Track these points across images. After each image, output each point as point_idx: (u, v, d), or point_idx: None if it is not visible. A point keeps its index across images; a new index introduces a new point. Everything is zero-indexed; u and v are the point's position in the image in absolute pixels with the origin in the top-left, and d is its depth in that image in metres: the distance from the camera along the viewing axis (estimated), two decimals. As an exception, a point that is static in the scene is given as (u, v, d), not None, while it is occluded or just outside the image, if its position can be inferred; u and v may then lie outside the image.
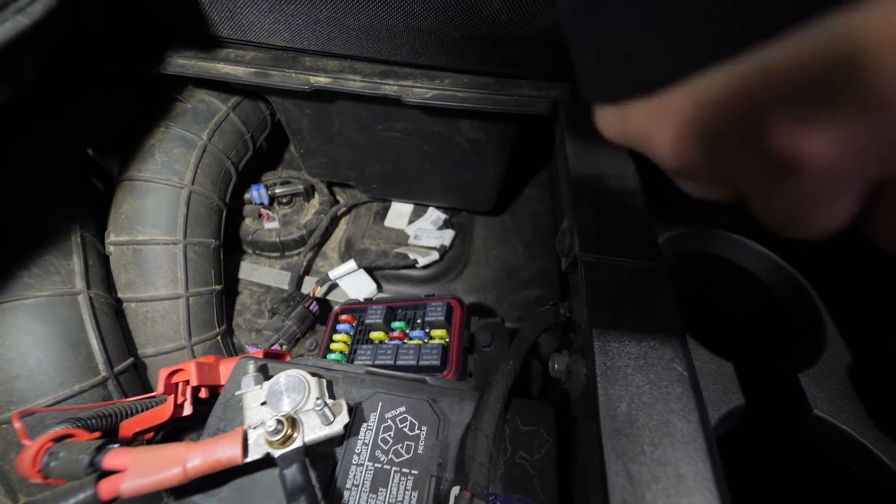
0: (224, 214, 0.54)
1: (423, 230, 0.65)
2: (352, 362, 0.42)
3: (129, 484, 0.23)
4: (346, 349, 0.45)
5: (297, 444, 0.25)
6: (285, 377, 0.28)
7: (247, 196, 0.62)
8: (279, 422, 0.25)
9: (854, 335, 0.35)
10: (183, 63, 0.44)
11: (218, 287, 0.52)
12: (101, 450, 0.24)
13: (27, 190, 0.38)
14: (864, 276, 0.65)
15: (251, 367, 0.30)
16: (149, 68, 0.46)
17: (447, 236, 0.64)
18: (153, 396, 0.36)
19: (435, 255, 0.61)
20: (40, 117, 0.40)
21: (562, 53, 0.39)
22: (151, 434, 0.34)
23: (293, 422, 0.26)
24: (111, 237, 0.46)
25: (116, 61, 0.46)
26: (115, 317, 0.43)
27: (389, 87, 0.43)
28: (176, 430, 0.44)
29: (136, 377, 0.43)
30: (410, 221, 0.67)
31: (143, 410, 0.33)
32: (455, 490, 0.27)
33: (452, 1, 0.35)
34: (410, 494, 0.26)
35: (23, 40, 0.25)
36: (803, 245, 0.70)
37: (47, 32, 0.27)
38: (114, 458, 0.24)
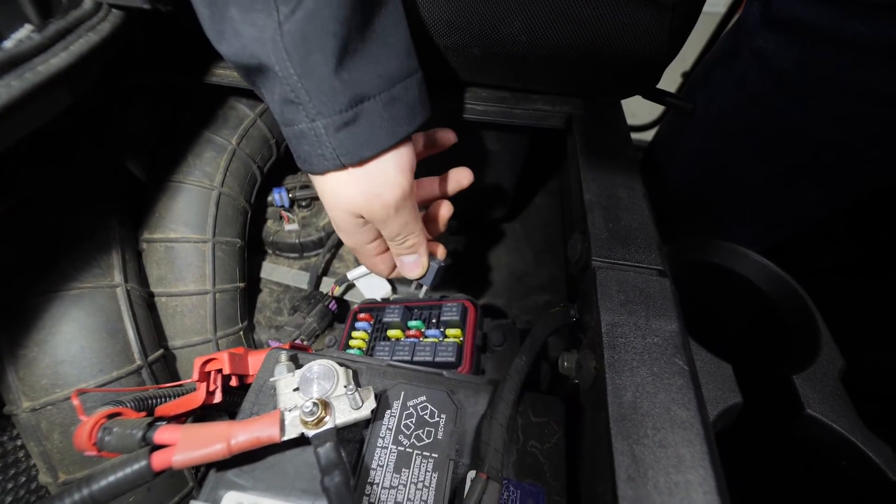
0: (249, 216, 0.57)
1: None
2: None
3: (179, 457, 0.25)
4: (364, 346, 0.47)
5: (329, 425, 0.27)
6: (317, 365, 0.30)
7: (269, 198, 0.65)
8: (315, 404, 0.27)
9: (847, 342, 0.37)
10: (219, 73, 0.47)
11: (241, 284, 0.54)
12: (151, 426, 0.27)
13: (86, 187, 0.41)
14: (858, 290, 0.67)
15: (283, 356, 0.33)
16: (186, 79, 0.49)
17: (461, 242, 0.66)
18: (182, 384, 0.39)
19: (448, 260, 0.64)
20: (93, 123, 0.43)
21: (575, 71, 0.42)
22: (183, 419, 0.36)
23: (326, 405, 0.28)
24: (145, 234, 0.49)
25: (157, 73, 0.49)
26: (147, 309, 0.45)
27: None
28: (200, 417, 0.46)
29: (165, 367, 0.45)
30: (424, 226, 0.69)
31: (175, 397, 0.36)
32: (471, 474, 0.29)
33: (475, 22, 0.38)
34: (431, 475, 0.28)
35: (91, 55, 0.28)
36: (803, 259, 0.73)
37: (110, 47, 0.30)
38: (164, 433, 0.27)
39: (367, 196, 0.31)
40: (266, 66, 0.27)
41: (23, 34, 0.24)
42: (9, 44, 0.23)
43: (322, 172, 0.30)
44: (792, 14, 0.53)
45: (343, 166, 0.30)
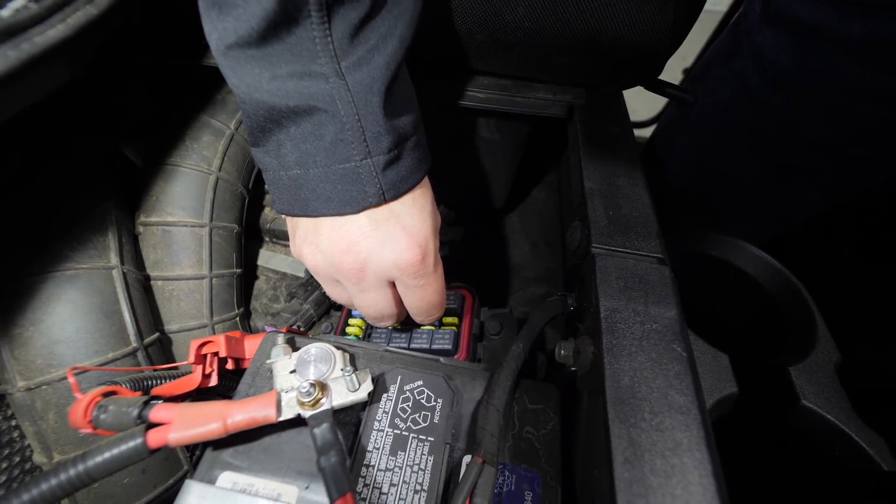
0: (246, 202, 0.57)
1: (434, 225, 0.67)
2: (367, 344, 0.45)
3: (175, 435, 0.25)
4: (360, 333, 0.47)
5: (325, 406, 0.27)
6: (315, 348, 0.30)
7: (267, 186, 0.64)
8: (312, 385, 0.27)
9: (843, 336, 0.37)
10: (218, 56, 0.47)
11: (238, 270, 0.54)
12: (147, 404, 0.27)
13: (82, 168, 0.41)
14: (854, 286, 0.67)
15: (280, 339, 0.33)
16: (183, 61, 0.48)
17: (458, 232, 0.66)
18: (177, 366, 0.38)
19: (445, 250, 0.63)
20: (89, 104, 0.42)
21: (578, 60, 0.42)
22: (178, 402, 0.36)
23: (323, 386, 0.28)
24: (141, 217, 0.48)
25: (153, 54, 0.49)
26: (143, 292, 0.45)
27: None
28: (195, 401, 0.46)
29: (161, 351, 0.45)
30: (422, 217, 0.69)
31: (171, 379, 0.35)
32: (467, 458, 0.29)
33: (479, 7, 0.38)
34: (426, 458, 0.28)
35: (89, 28, 0.28)
36: (799, 254, 0.73)
37: (109, 22, 0.30)
38: (159, 411, 0.26)
39: (422, 217, 0.34)
40: (317, 109, 0.29)
41: (19, 3, 0.23)
42: (5, 13, 0.23)
43: (360, 210, 0.32)
44: (791, 12, 0.53)
45: (385, 201, 0.32)
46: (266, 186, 0.64)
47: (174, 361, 0.47)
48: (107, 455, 0.24)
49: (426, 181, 0.36)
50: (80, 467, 0.24)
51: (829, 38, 0.50)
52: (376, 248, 0.32)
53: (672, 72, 0.62)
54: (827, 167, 0.60)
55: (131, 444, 0.25)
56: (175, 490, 0.42)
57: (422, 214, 0.34)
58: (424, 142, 0.36)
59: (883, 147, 0.56)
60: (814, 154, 0.60)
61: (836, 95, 0.54)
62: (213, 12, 0.28)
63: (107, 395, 0.28)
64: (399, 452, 0.28)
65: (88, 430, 0.27)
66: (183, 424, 0.26)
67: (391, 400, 0.31)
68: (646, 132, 1.19)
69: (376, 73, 0.29)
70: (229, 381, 0.37)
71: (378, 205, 0.32)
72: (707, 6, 0.42)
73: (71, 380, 0.28)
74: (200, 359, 0.35)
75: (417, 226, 0.34)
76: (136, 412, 0.26)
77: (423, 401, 0.31)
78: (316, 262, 0.34)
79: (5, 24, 0.22)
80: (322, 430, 0.26)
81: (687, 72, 1.06)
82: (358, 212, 0.32)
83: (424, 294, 0.36)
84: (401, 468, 0.28)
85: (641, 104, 1.08)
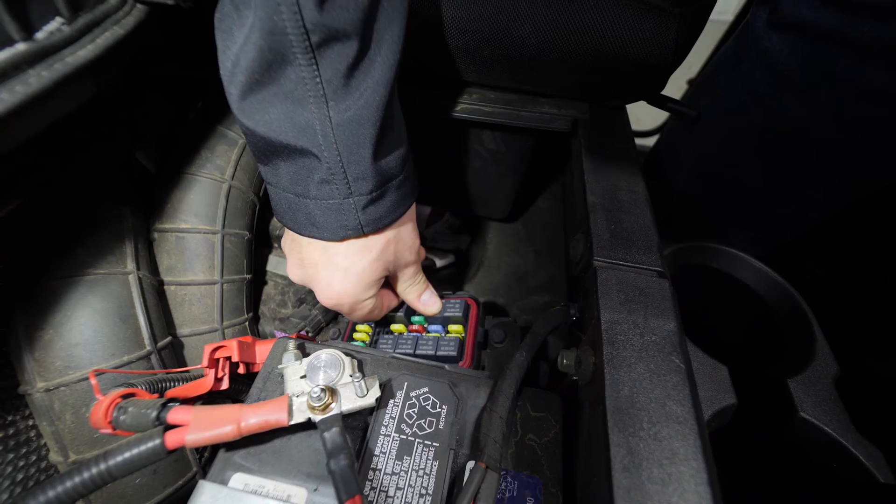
0: (257, 209, 0.58)
1: (440, 233, 0.68)
2: (373, 350, 0.46)
3: (191, 436, 0.26)
4: (367, 339, 0.48)
5: (335, 411, 0.28)
6: (325, 354, 0.31)
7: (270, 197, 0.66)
8: (322, 390, 0.28)
9: (842, 347, 0.38)
10: (233, 68, 0.48)
11: (248, 276, 0.55)
12: (165, 406, 0.28)
13: (101, 176, 0.42)
14: (854, 297, 0.67)
15: (291, 345, 0.34)
16: (199, 72, 0.50)
17: (463, 241, 0.67)
18: (188, 370, 0.40)
19: (451, 258, 0.65)
20: (109, 115, 0.44)
21: (582, 76, 0.43)
22: (191, 404, 0.37)
23: (332, 392, 0.29)
24: (156, 224, 0.50)
25: (171, 65, 0.50)
26: (157, 297, 0.46)
27: (419, 99, 0.47)
28: (206, 404, 0.47)
29: (173, 354, 0.46)
30: (428, 225, 0.70)
31: (185, 381, 0.37)
32: (471, 463, 0.30)
33: (486, 23, 0.39)
34: (432, 463, 0.29)
35: (116, 48, 0.29)
36: (800, 265, 0.73)
37: (134, 41, 0.31)
38: (177, 413, 0.28)
39: (396, 250, 0.38)
40: (307, 151, 0.30)
41: (54, 26, 0.25)
42: (41, 35, 0.24)
43: (340, 239, 0.35)
44: (799, 16, 0.53)
45: (364, 234, 0.35)
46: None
47: (185, 365, 0.49)
48: (127, 455, 0.25)
49: (410, 213, 0.38)
50: (102, 466, 0.25)
51: (837, 41, 0.51)
52: (327, 274, 0.37)
53: (677, 82, 0.63)
54: (834, 169, 0.61)
55: (150, 444, 0.26)
56: (184, 491, 0.43)
57: (375, 262, 0.37)
58: (412, 175, 0.37)
59: (890, 148, 0.56)
60: (820, 156, 0.60)
61: (844, 97, 0.54)
62: (221, 46, 0.30)
63: (126, 396, 0.29)
64: (405, 457, 0.29)
65: (108, 431, 0.28)
66: (199, 426, 0.27)
67: (398, 406, 0.32)
68: (650, 141, 1.20)
69: (364, 119, 0.30)
70: (240, 385, 0.38)
71: (357, 237, 0.35)
72: (712, 15, 0.43)
73: (93, 381, 0.29)
74: (213, 363, 0.36)
75: (355, 274, 0.37)
76: (154, 414, 0.27)
77: (428, 407, 0.32)
78: (295, 272, 0.39)
79: (40, 46, 0.23)
80: (332, 434, 0.27)
81: (692, 82, 1.07)
82: (339, 240, 0.35)
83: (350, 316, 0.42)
84: (406, 472, 0.29)
85: (646, 113, 1.09)
